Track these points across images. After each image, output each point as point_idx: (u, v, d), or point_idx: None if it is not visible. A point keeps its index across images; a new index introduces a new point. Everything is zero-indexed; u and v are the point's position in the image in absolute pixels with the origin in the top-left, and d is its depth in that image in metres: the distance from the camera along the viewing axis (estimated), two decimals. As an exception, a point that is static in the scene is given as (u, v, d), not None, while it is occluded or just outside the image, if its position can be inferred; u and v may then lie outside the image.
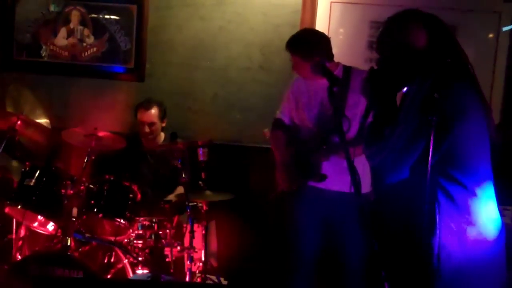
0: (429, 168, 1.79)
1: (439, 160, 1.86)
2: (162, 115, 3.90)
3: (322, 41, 3.01)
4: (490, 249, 1.93)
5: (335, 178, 2.92)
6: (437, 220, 1.89)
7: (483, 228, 1.92)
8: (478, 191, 1.93)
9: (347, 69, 3.02)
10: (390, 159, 1.92)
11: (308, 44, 2.96)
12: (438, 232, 1.88)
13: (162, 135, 3.98)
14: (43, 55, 4.22)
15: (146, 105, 3.85)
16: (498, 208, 2.00)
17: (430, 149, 1.78)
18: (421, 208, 1.84)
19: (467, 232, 1.90)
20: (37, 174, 3.27)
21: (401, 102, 2.00)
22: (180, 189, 3.79)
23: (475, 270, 1.90)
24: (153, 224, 3.43)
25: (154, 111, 3.84)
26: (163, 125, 3.94)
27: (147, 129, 3.84)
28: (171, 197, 3.75)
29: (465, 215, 1.91)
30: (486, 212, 1.94)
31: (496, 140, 2.01)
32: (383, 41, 2.07)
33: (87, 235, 3.29)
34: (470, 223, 1.90)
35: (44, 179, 3.27)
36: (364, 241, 2.86)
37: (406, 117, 1.90)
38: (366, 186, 2.91)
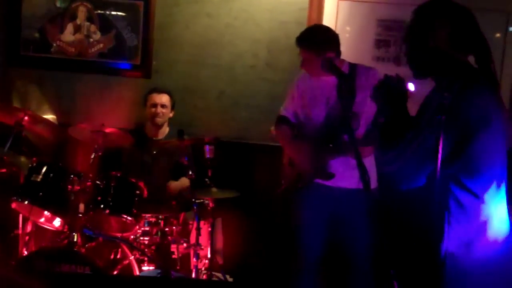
0: (438, 171, 1.75)
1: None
2: (172, 104, 3.97)
3: (334, 37, 2.99)
4: (498, 255, 1.91)
5: (341, 174, 2.91)
6: (446, 226, 1.85)
7: (493, 236, 1.89)
8: (489, 199, 1.89)
9: (353, 66, 3.02)
10: (410, 165, 1.87)
11: (323, 40, 2.94)
12: (446, 238, 1.84)
13: (167, 129, 3.99)
14: (49, 51, 4.22)
15: (159, 89, 3.94)
16: (509, 211, 1.97)
17: (440, 150, 1.74)
18: (431, 211, 1.83)
19: (476, 239, 1.87)
20: (44, 170, 3.26)
21: (423, 106, 1.94)
22: (184, 180, 3.79)
23: (482, 276, 1.88)
24: (160, 221, 3.45)
25: (166, 96, 3.93)
26: (171, 115, 3.97)
27: (158, 109, 3.88)
28: (175, 184, 3.78)
29: (475, 221, 1.88)
30: (496, 220, 1.90)
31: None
32: (409, 32, 2.02)
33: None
34: (480, 230, 1.88)
35: (51, 175, 3.27)
36: (371, 237, 2.87)
37: (430, 122, 1.82)
38: (373, 182, 2.91)
